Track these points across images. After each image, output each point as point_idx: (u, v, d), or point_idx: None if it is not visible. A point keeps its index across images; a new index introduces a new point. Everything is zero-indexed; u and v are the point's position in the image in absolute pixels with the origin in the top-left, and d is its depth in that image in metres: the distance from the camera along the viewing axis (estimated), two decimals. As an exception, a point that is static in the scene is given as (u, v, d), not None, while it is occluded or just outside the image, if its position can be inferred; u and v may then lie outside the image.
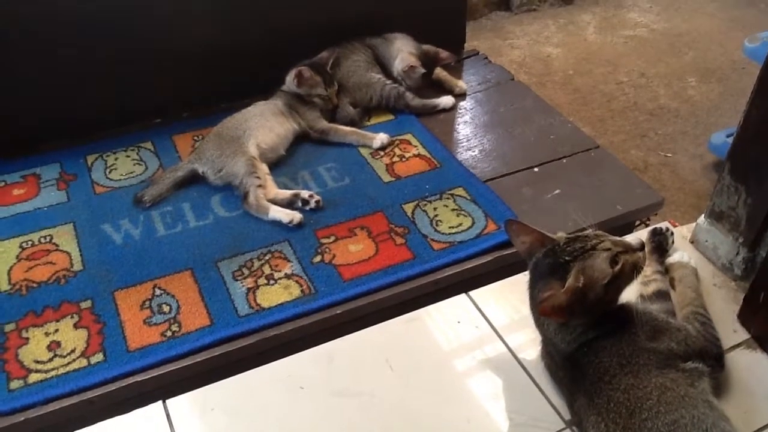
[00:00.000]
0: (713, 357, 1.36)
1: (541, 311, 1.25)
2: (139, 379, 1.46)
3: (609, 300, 1.31)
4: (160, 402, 1.38)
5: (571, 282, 1.25)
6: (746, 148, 1.57)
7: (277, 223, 1.81)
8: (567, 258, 1.28)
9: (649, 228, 1.73)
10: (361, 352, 1.48)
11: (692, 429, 1.16)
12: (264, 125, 2.00)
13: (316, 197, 1.85)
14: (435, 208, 1.88)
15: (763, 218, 1.54)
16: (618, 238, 1.32)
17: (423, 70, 2.20)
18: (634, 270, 1.30)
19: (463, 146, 2.14)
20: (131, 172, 1.98)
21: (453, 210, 1.88)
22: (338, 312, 1.61)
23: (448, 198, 1.91)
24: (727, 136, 2.41)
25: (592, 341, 1.30)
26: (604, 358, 1.28)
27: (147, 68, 2.10)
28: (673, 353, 1.29)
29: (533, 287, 1.34)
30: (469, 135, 2.19)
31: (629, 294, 1.39)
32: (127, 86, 2.09)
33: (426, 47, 2.29)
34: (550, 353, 1.40)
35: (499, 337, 1.51)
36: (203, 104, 2.15)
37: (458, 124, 2.24)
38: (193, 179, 1.95)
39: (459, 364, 1.47)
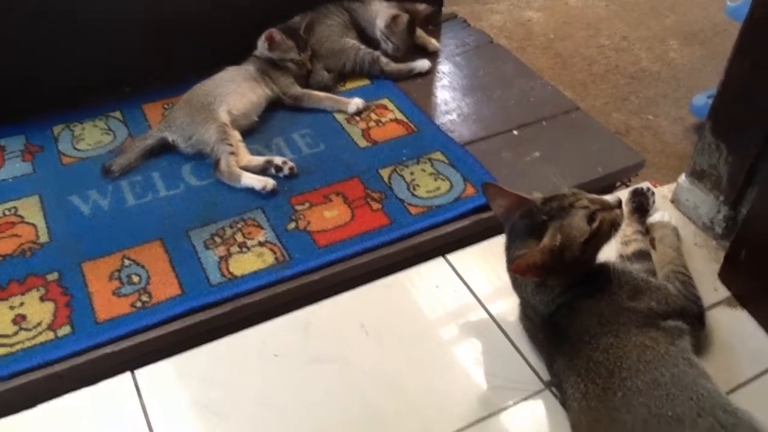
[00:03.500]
0: (694, 315, 1.34)
1: (515, 269, 1.22)
2: (108, 350, 1.41)
3: (587, 259, 1.28)
4: (128, 373, 1.34)
5: (547, 240, 1.22)
6: (727, 105, 1.54)
7: (249, 191, 1.76)
8: (544, 217, 1.25)
9: (630, 188, 1.69)
10: (336, 319, 1.45)
11: (672, 387, 1.13)
12: (235, 91, 1.94)
13: (290, 164, 1.80)
14: (412, 173, 1.84)
15: (743, 176, 1.52)
16: (595, 196, 1.29)
17: (407, 16, 2.13)
18: (612, 227, 1.26)
19: (441, 110, 2.09)
20: (99, 142, 1.92)
21: (431, 174, 1.83)
22: (313, 279, 1.57)
23: (425, 162, 1.87)
24: (708, 98, 2.37)
25: (570, 302, 1.27)
26: (583, 319, 1.25)
27: (116, 36, 2.03)
28: (654, 312, 1.27)
29: (510, 248, 1.30)
30: (447, 99, 2.14)
31: (609, 255, 1.36)
32: (95, 55, 2.02)
33: (405, 4, 2.23)
34: (528, 315, 1.37)
35: (478, 300, 1.48)
36: (175, 72, 2.08)
37: (436, 88, 2.19)
38: (164, 148, 1.89)
39: (437, 328, 1.44)
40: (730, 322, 1.45)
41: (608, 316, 1.25)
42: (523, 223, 1.29)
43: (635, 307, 1.27)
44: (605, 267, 1.32)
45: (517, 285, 1.36)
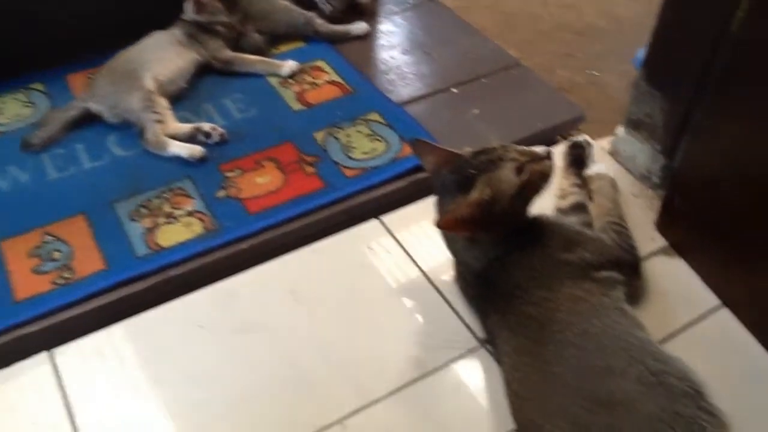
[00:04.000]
0: (629, 265, 1.31)
1: (443, 224, 1.18)
2: (26, 330, 1.34)
3: (518, 212, 1.24)
4: (45, 353, 1.28)
5: (475, 194, 1.18)
6: (661, 52, 1.51)
7: (177, 159, 1.69)
8: (472, 171, 1.21)
9: (567, 141, 1.66)
10: (264, 287, 1.40)
11: (603, 337, 1.11)
12: (161, 57, 1.86)
13: (220, 130, 1.74)
14: (348, 135, 1.78)
15: (678, 124, 1.49)
16: (525, 148, 1.25)
17: None
18: (542, 179, 1.23)
19: (379, 70, 2.03)
20: (18, 116, 1.83)
21: (367, 135, 1.78)
22: (244, 247, 1.51)
23: (361, 123, 1.82)
24: (651, 50, 2.35)
25: (502, 256, 1.24)
26: (515, 273, 1.21)
27: (37, 5, 1.92)
28: (587, 263, 1.24)
29: (440, 205, 1.26)
30: (385, 58, 2.08)
31: (546, 208, 1.33)
32: (14, 26, 1.91)
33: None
34: (462, 273, 1.34)
35: (413, 260, 1.44)
36: (101, 41, 1.98)
37: (374, 48, 2.13)
38: (88, 119, 1.81)
39: (370, 291, 1.40)
40: (666, 271, 1.43)
41: (540, 269, 1.22)
42: (452, 178, 1.25)
43: (568, 259, 1.24)
44: (539, 220, 1.29)
45: (449, 242, 1.32)
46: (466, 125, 1.84)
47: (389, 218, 1.53)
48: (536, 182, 1.24)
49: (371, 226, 1.52)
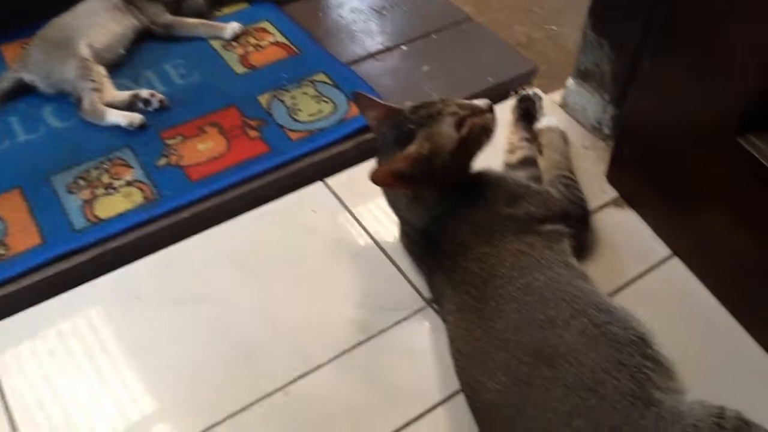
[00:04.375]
0: (577, 218, 1.29)
1: (375, 179, 1.14)
2: (-43, 311, 1.29)
3: (460, 167, 1.20)
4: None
5: (413, 148, 1.14)
6: (606, 0, 1.46)
7: (116, 129, 1.63)
8: (411, 126, 1.17)
9: (518, 95, 1.62)
10: (204, 255, 1.36)
11: (545, 290, 1.08)
12: (97, 23, 1.78)
13: (159, 96, 1.67)
14: (293, 97, 1.73)
15: (625, 72, 1.45)
16: (465, 102, 1.21)
17: None
18: (483, 132, 1.19)
19: (326, 30, 1.97)
20: (-53, 90, 1.75)
21: (313, 97, 1.73)
22: (185, 216, 1.46)
23: (307, 85, 1.76)
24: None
25: (446, 213, 1.20)
26: (458, 229, 1.18)
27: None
28: (532, 217, 1.21)
29: (379, 161, 1.22)
30: (334, 18, 2.02)
31: (495, 164, 1.29)
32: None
33: None
34: (406, 232, 1.30)
35: (358, 222, 1.41)
36: (37, 9, 1.89)
37: (322, 8, 2.07)
38: (22, 90, 1.73)
39: (315, 255, 1.36)
40: (617, 223, 1.41)
41: (483, 225, 1.18)
42: (391, 133, 1.21)
43: (512, 213, 1.21)
44: (482, 175, 1.25)
45: (391, 201, 1.28)
46: (416, 83, 1.79)
47: (334, 180, 1.49)
48: (477, 136, 1.20)
49: (316, 189, 1.48)
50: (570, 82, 1.62)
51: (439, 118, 1.18)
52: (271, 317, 1.25)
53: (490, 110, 1.22)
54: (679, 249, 1.34)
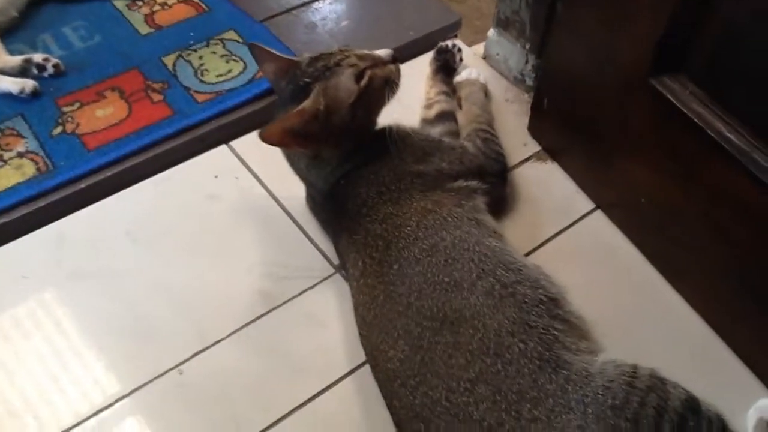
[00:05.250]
0: (494, 173, 1.22)
1: (264, 137, 1.05)
2: None
3: (362, 124, 1.12)
4: None
5: (308, 103, 1.05)
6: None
7: (7, 96, 1.50)
8: (307, 80, 1.07)
9: (436, 47, 1.53)
10: (98, 227, 1.26)
11: (452, 250, 1.00)
12: (-15, -17, 1.64)
13: (54, 60, 1.55)
14: (201, 57, 1.62)
15: (544, 19, 1.37)
16: (366, 52, 1.12)
17: None
18: (386, 85, 1.11)
19: (239, -14, 1.85)
20: None
21: (222, 56, 1.62)
22: (81, 187, 1.36)
23: (216, 44, 1.65)
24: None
25: (349, 173, 1.12)
26: (362, 189, 1.10)
27: None
28: (443, 173, 1.13)
29: (276, 113, 1.13)
30: (247, -27, 1.89)
31: (410, 118, 1.21)
32: None
33: None
34: (311, 195, 1.22)
35: (264, 186, 1.32)
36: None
37: (235, -36, 1.93)
38: None
39: (217, 223, 1.27)
40: (539, 177, 1.34)
41: (388, 184, 1.10)
42: (288, 89, 1.12)
43: (421, 170, 1.13)
44: (389, 131, 1.17)
45: (292, 162, 1.19)
46: (334, 39, 1.69)
47: (239, 143, 1.39)
48: (379, 89, 1.11)
49: (220, 153, 1.38)
50: (491, 32, 1.54)
51: (337, 70, 1.09)
52: (170, 291, 1.16)
53: (393, 61, 1.13)
54: (601, 202, 1.29)
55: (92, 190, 1.37)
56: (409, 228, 1.05)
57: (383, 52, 1.13)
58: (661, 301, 1.16)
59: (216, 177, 1.33)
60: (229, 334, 1.11)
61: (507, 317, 0.93)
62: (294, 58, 1.16)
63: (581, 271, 1.20)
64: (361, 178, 1.12)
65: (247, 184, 1.32)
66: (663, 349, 1.08)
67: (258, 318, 1.13)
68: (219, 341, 1.10)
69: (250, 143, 1.39)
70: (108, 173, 1.40)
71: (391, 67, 1.12)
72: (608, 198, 1.27)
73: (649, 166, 1.14)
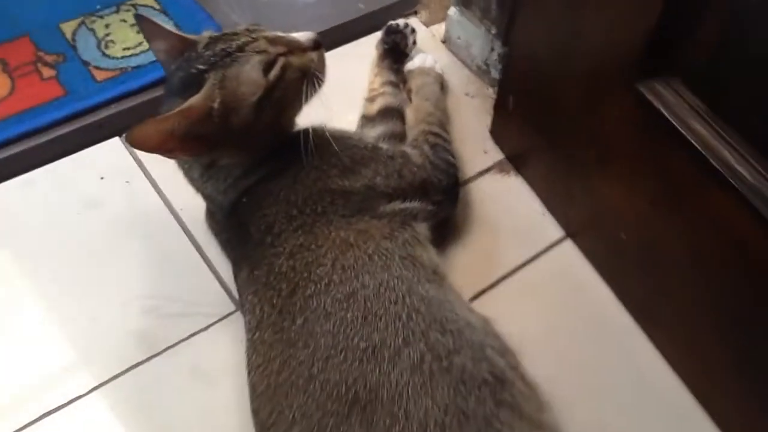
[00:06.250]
0: (441, 189, 0.98)
1: (135, 138, 0.79)
2: None
3: (271, 125, 0.86)
4: None
5: (196, 99, 0.79)
6: None
7: None
8: (201, 67, 0.81)
9: (385, 26, 1.27)
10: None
11: (374, 303, 0.77)
12: None
13: None
14: (107, 25, 1.35)
15: (512, -3, 1.11)
16: (281, 35, 0.86)
17: None
18: (305, 78, 0.84)
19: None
20: None
21: (133, 26, 1.35)
22: (-65, 183, 1.09)
23: (128, 10, 1.38)
24: None
25: (255, 187, 0.87)
26: (268, 210, 0.86)
27: None
28: (375, 191, 0.89)
29: (162, 107, 0.87)
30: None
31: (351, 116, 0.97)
32: None
33: None
34: (211, 211, 0.96)
35: (159, 193, 1.06)
36: None
37: None
38: None
39: (96, 237, 1.03)
40: (499, 193, 1.10)
41: (301, 205, 0.86)
42: (177, 76, 0.85)
43: (347, 187, 0.89)
44: (309, 135, 0.91)
45: (184, 170, 0.94)
46: (265, 11, 1.42)
47: (135, 136, 1.12)
48: (294, 83, 0.86)
49: (110, 147, 1.12)
50: (452, 10, 1.28)
51: (240, 57, 0.84)
52: (20, 325, 0.91)
53: (315, 47, 0.87)
54: (572, 228, 1.06)
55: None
56: (322, 268, 0.81)
57: (302, 36, 0.88)
58: (633, 353, 0.95)
59: (102, 179, 1.07)
60: (90, 391, 0.87)
61: (438, 403, 0.70)
62: (190, 37, 0.90)
63: (542, 314, 0.98)
64: (268, 195, 0.87)
65: (139, 190, 1.06)
66: (633, 411, 0.87)
67: (130, 368, 0.89)
68: (76, 399, 0.86)
69: (148, 137, 1.12)
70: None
71: (312, 55, 0.87)
72: (580, 224, 1.04)
73: (628, 188, 0.91)
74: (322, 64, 0.88)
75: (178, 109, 0.80)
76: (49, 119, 1.20)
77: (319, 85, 0.89)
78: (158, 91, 1.21)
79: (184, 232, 1.02)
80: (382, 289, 0.79)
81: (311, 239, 0.84)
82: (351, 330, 0.75)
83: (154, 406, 0.87)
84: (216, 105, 0.82)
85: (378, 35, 1.27)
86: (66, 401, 0.86)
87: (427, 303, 0.79)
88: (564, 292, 1.01)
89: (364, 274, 0.80)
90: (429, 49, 1.29)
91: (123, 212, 1.04)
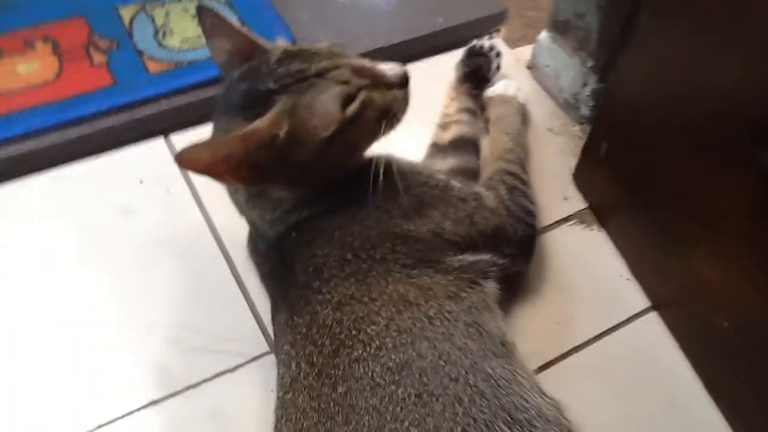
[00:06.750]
0: (516, 242, 0.85)
1: (186, 159, 0.68)
2: None
3: (337, 162, 0.74)
4: None
5: (262, 123, 0.68)
6: None
7: None
8: (272, 86, 0.69)
9: (468, 46, 1.15)
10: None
11: (431, 378, 0.65)
12: None
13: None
14: (168, 14, 1.26)
15: (619, 30, 0.98)
16: (367, 64, 0.74)
17: None
18: (384, 117, 0.72)
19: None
20: None
21: (195, 16, 1.24)
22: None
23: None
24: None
25: (307, 222, 0.75)
26: (319, 251, 0.73)
27: None
28: (442, 239, 0.77)
29: (215, 125, 0.76)
30: None
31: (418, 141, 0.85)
32: None
33: None
34: (254, 237, 0.85)
35: (201, 208, 0.96)
36: None
37: None
38: None
39: (123, 248, 0.92)
40: (578, 248, 0.97)
41: (357, 248, 0.74)
42: (240, 89, 0.74)
43: (411, 232, 0.77)
44: (375, 165, 0.79)
45: (230, 192, 0.83)
46: (339, 15, 1.31)
47: (182, 137, 1.02)
48: (372, 121, 0.74)
49: (154, 147, 1.02)
50: (543, 35, 1.15)
51: (318, 83, 0.72)
52: (28, 344, 0.81)
53: (403, 85, 0.75)
54: (659, 300, 0.92)
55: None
56: (373, 327, 0.69)
57: (390, 70, 0.75)
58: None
59: (141, 182, 0.97)
60: (97, 427, 0.75)
61: None
62: (261, 42, 0.79)
63: (616, 397, 0.85)
64: (321, 234, 0.76)
65: (179, 201, 0.96)
66: None
67: (143, 407, 0.78)
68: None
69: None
70: (14, 150, 1.04)
71: (397, 93, 0.75)
72: (669, 297, 0.90)
73: (734, 270, 0.76)
74: (405, 104, 0.77)
75: (239, 133, 0.69)
76: (93, 109, 1.12)
77: (397, 125, 0.77)
78: (211, 91, 1.12)
79: (223, 256, 0.91)
80: (441, 361, 0.67)
81: (364, 290, 0.72)
82: (401, 410, 0.63)
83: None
84: (282, 134, 0.70)
85: (458, 54, 1.14)
86: (70, 437, 0.76)
87: (493, 384, 0.67)
88: (643, 374, 0.87)
89: (422, 341, 0.68)
90: (511, 73, 1.17)
91: (158, 224, 0.94)
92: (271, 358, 0.83)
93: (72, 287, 0.87)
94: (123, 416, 0.78)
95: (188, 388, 0.80)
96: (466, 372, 0.67)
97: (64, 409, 0.77)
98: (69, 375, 0.80)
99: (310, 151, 0.72)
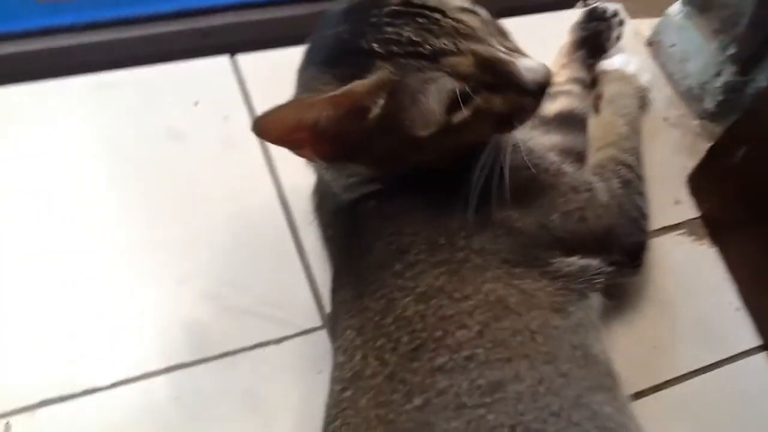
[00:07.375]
0: (626, 248, 0.71)
1: (267, 126, 0.55)
2: None
3: (426, 162, 0.59)
4: None
5: (358, 87, 0.54)
6: None
7: None
8: (376, 48, 0.55)
9: (588, 7, 0.99)
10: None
11: (529, 409, 0.52)
12: None
13: None
14: None
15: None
16: (502, 56, 0.58)
17: None
18: (500, 125, 0.57)
19: None
20: None
21: None
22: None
23: None
24: None
25: (391, 192, 0.61)
26: (405, 227, 0.60)
27: None
28: (549, 234, 0.64)
29: (301, 73, 0.61)
30: None
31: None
32: None
33: None
34: (320, 192, 0.71)
35: (263, 150, 0.81)
36: None
37: None
38: None
39: (168, 180, 0.80)
40: (685, 263, 0.84)
41: (452, 234, 0.60)
42: (340, 33, 0.59)
43: (514, 222, 0.63)
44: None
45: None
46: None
47: (251, 61, 0.89)
48: (482, 128, 0.59)
49: (216, 66, 0.88)
50: (675, 9, 0.99)
51: (428, 68, 0.56)
52: (34, 276, 0.69)
53: (541, 92, 0.59)
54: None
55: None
56: (464, 332, 0.56)
57: (529, 72, 0.58)
58: None
59: (196, 104, 0.83)
60: (111, 385, 0.64)
61: None
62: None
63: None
64: (410, 210, 0.62)
65: (238, 133, 0.82)
66: None
67: (167, 370, 0.66)
68: (93, 391, 0.63)
69: (262, 64, 0.88)
70: (43, 44, 0.91)
71: (527, 102, 0.59)
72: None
73: None
74: (532, 114, 0.61)
75: (332, 94, 0.54)
76: (149, 10, 0.98)
77: (510, 132, 0.62)
78: (287, 11, 0.98)
79: (281, 204, 0.78)
80: (542, 389, 0.54)
81: (456, 284, 0.59)
82: (486, 436, 0.51)
83: (180, 427, 0.64)
84: (376, 109, 0.56)
85: (573, 15, 0.99)
86: (80, 391, 0.64)
87: (599, 426, 0.54)
88: (746, 423, 0.74)
89: (521, 360, 0.55)
90: (630, 48, 1.01)
91: (209, 156, 0.81)
92: (323, 336, 0.70)
93: (95, 215, 0.74)
94: (142, 376, 0.66)
95: (222, 355, 0.68)
96: (569, 408, 0.54)
97: (76, 362, 0.66)
98: (84, 319, 0.68)
99: (398, 142, 0.58)
